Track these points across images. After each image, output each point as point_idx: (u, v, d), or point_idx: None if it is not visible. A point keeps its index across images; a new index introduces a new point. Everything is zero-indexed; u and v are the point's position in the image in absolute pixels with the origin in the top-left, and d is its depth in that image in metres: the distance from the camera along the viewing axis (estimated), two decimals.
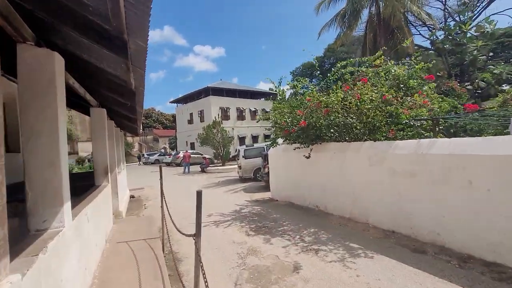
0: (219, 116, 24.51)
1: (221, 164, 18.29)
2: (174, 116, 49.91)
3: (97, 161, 4.96)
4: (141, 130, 10.52)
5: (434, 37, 14.36)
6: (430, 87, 4.43)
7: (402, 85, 4.72)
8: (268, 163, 9.80)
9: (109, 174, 5.11)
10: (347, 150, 5.34)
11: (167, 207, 4.29)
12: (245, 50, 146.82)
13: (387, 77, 5.08)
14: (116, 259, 3.63)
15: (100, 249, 3.77)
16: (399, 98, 4.57)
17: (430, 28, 16.82)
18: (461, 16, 19.35)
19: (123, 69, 2.57)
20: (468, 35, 12.81)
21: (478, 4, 15.21)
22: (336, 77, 6.08)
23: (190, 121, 32.09)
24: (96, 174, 4.92)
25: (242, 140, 28.95)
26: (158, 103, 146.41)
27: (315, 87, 6.28)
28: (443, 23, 18.55)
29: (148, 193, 11.51)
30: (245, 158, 12.11)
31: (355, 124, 5.04)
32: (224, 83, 32.96)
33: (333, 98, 5.18)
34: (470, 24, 12.87)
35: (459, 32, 13.53)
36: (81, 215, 2.76)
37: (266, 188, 10.16)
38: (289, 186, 7.44)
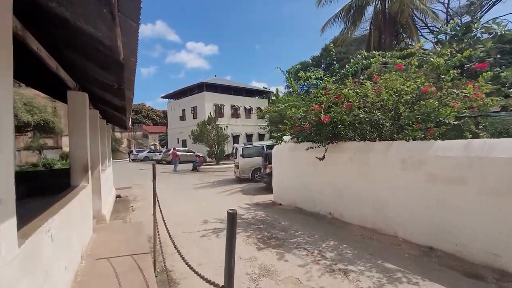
0: (213, 113, 23.52)
1: (214, 163, 17.39)
2: (165, 113, 48.39)
3: (74, 157, 4.05)
4: (130, 125, 9.46)
5: (440, 37, 14.00)
6: (483, 77, 3.78)
7: (443, 76, 4.07)
8: (269, 163, 9.05)
9: (89, 172, 4.21)
10: (371, 150, 4.65)
11: (162, 214, 3.46)
12: (238, 49, 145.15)
13: (421, 67, 4.42)
14: (93, 286, 2.77)
15: (73, 270, 2.90)
16: (444, 90, 3.91)
17: (433, 30, 16.49)
18: (462, 18, 19.18)
19: (106, 21, 1.74)
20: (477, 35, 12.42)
21: (483, 4, 14.93)
22: (356, 69, 5.38)
23: (182, 118, 30.93)
24: (73, 173, 4.02)
25: (235, 138, 28.09)
26: (149, 99, 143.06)
27: (330, 79, 5.54)
28: (445, 25, 18.34)
29: (136, 192, 10.54)
30: (243, 157, 11.31)
31: (383, 121, 4.35)
32: (218, 79, 31.94)
33: (357, 91, 4.48)
34: (479, 25, 12.49)
35: (461, 34, 13.18)
36: (39, 234, 1.91)
37: (267, 190, 9.40)
38: (296, 189, 6.71)
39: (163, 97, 34.90)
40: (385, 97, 4.47)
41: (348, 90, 4.52)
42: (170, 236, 2.98)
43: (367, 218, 4.71)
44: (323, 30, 15.28)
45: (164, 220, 3.35)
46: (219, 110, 27.66)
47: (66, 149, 25.96)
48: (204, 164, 17.83)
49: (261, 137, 31.16)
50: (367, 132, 4.94)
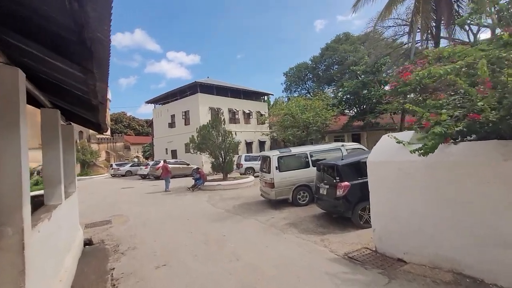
0: (210, 118, 19.81)
1: (222, 178, 13.64)
2: (147, 122, 43.59)
3: None
4: (107, 124, 6.04)
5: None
6: None
7: None
8: (342, 180, 5.63)
9: None
10: None
11: None
12: (221, 58, 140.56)
13: None
14: None
15: None
16: None
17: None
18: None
19: None
20: None
21: None
22: None
23: (172, 125, 26.85)
24: None
25: None
26: (128, 111, 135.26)
27: None
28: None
29: (118, 232, 6.60)
30: (280, 171, 7.77)
31: None
32: (213, 80, 28.33)
33: None
34: None
35: None
36: None
37: (333, 221, 5.92)
38: (455, 235, 3.31)
39: (148, 102, 30.62)
40: None
41: None
42: None
43: None
44: (355, 7, 12.40)
45: None
46: (215, 115, 23.93)
47: (31, 164, 21.11)
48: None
49: (261, 144, 27.72)
50: None
